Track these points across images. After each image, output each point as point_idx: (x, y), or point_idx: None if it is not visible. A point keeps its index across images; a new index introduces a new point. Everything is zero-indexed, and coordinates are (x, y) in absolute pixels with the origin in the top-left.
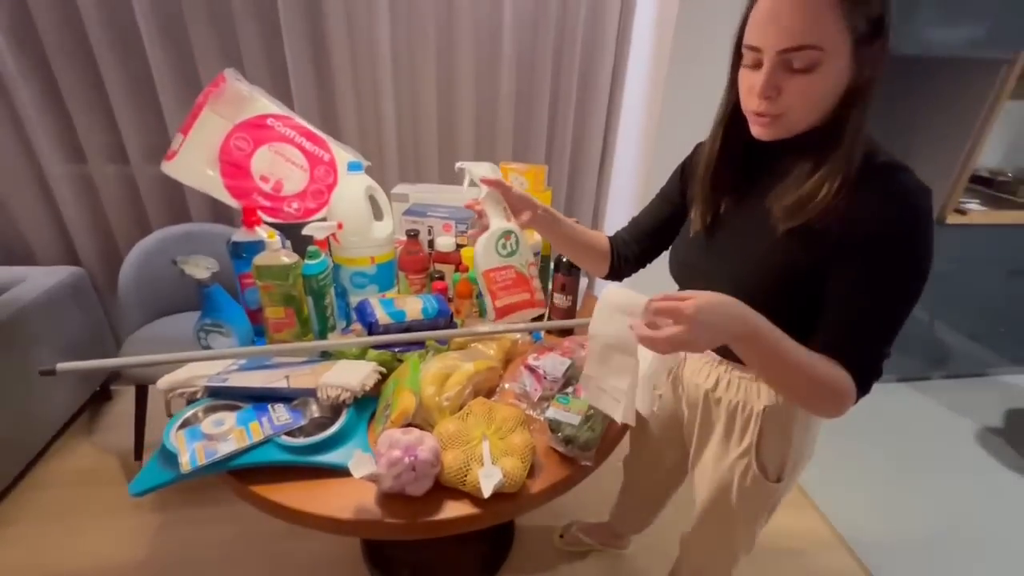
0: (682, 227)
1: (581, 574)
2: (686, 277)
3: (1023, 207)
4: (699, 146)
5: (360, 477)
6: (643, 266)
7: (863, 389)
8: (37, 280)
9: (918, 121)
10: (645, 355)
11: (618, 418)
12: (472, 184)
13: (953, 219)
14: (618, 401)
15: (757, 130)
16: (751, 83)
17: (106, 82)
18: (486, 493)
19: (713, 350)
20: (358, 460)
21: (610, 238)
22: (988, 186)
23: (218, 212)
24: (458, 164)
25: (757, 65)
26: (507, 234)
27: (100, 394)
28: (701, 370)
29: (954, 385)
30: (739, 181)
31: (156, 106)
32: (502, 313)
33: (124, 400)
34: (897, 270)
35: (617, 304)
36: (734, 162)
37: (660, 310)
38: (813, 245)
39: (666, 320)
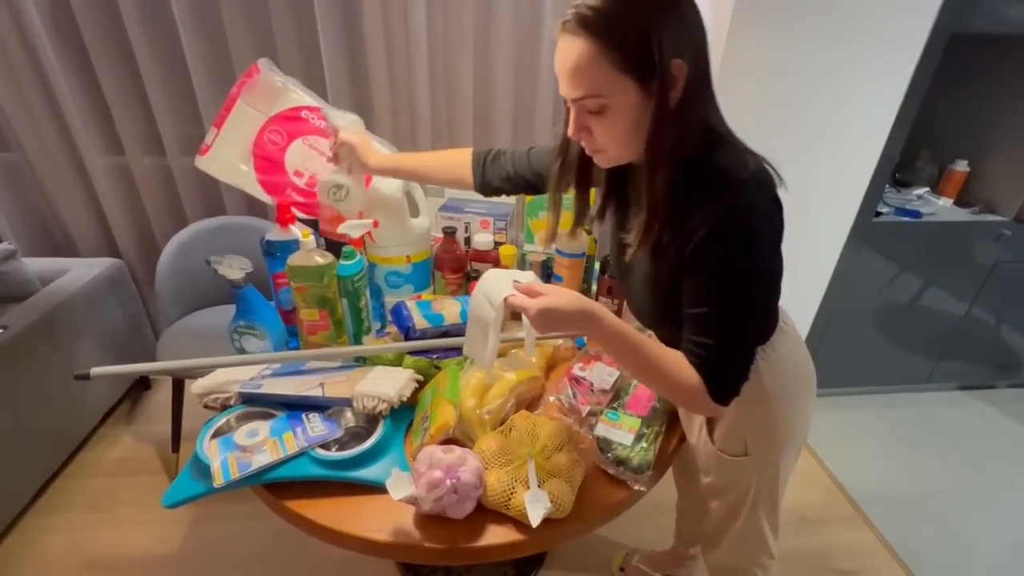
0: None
1: None
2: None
3: None
4: None
5: (400, 499)
6: (510, 193)
7: (716, 389)
8: (79, 272)
9: (994, 107)
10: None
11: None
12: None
13: None
14: (484, 362)
15: (597, 161)
16: None
17: (142, 73)
18: (534, 522)
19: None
20: (396, 480)
21: (475, 156)
22: None
23: (252, 206)
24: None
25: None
26: (339, 186)
27: (140, 383)
28: None
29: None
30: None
31: (191, 98)
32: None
33: (163, 389)
34: (727, 273)
35: (486, 291)
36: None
37: (513, 305)
38: (664, 258)
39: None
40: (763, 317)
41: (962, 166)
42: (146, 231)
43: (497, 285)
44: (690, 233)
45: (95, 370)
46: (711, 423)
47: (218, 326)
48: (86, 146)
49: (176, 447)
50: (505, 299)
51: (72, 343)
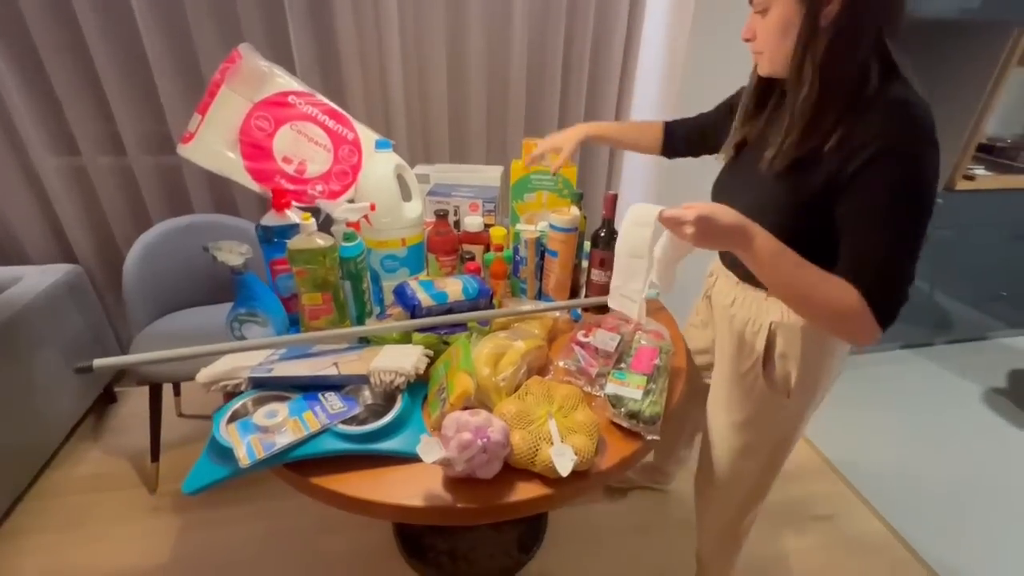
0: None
1: (619, 541)
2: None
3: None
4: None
5: (432, 462)
6: (690, 155)
7: (881, 311)
8: (33, 280)
9: (923, 86)
10: (661, 242)
11: (634, 316)
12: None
13: (962, 185)
14: (634, 301)
15: (758, 69)
16: None
17: (97, 67)
18: (563, 472)
19: (733, 272)
20: (426, 445)
21: (666, 127)
22: (989, 152)
23: (221, 203)
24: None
25: None
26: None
27: (104, 397)
28: (723, 290)
29: (957, 350)
30: (763, 121)
31: (152, 92)
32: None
33: (130, 402)
34: (897, 188)
35: (635, 219)
36: (761, 100)
37: (667, 218)
38: (803, 182)
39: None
40: (923, 239)
41: None
42: (105, 234)
43: (648, 209)
44: (857, 148)
45: (98, 362)
46: (770, 358)
47: (193, 327)
48: (34, 146)
49: (156, 456)
50: (661, 212)
51: (30, 356)
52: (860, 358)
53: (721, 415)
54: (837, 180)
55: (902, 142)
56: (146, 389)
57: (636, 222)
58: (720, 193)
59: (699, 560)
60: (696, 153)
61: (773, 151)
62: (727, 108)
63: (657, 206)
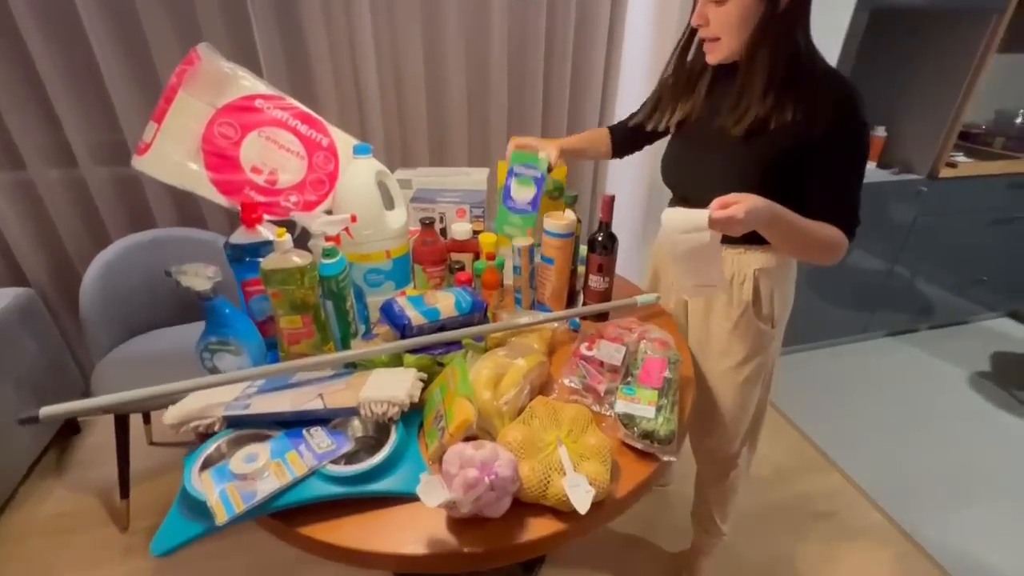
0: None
1: (623, 550)
2: (673, 182)
3: (1002, 157)
4: None
5: (434, 506)
6: (635, 151)
7: (852, 236)
8: None
9: (905, 76)
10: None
11: (719, 290)
12: None
13: (945, 172)
14: (715, 286)
15: (708, 56)
16: None
17: (40, 71)
18: (581, 509)
19: None
20: (427, 486)
21: (611, 134)
22: (966, 139)
23: (186, 215)
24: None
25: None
26: None
27: (67, 428)
28: None
29: (940, 335)
30: (702, 98)
31: (103, 96)
32: None
33: (94, 432)
34: (854, 147)
35: (680, 227)
36: (694, 79)
37: (718, 220)
38: (774, 144)
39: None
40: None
41: (881, 132)
42: (59, 253)
43: (689, 216)
44: (819, 113)
45: (44, 411)
46: (758, 299)
47: (161, 351)
48: None
49: (125, 493)
50: (710, 218)
51: None
52: (846, 347)
53: (722, 362)
54: (808, 140)
55: (852, 105)
56: (111, 417)
57: (683, 230)
58: (679, 166)
59: (698, 514)
60: (639, 148)
61: (738, 117)
62: (655, 102)
63: (697, 211)
